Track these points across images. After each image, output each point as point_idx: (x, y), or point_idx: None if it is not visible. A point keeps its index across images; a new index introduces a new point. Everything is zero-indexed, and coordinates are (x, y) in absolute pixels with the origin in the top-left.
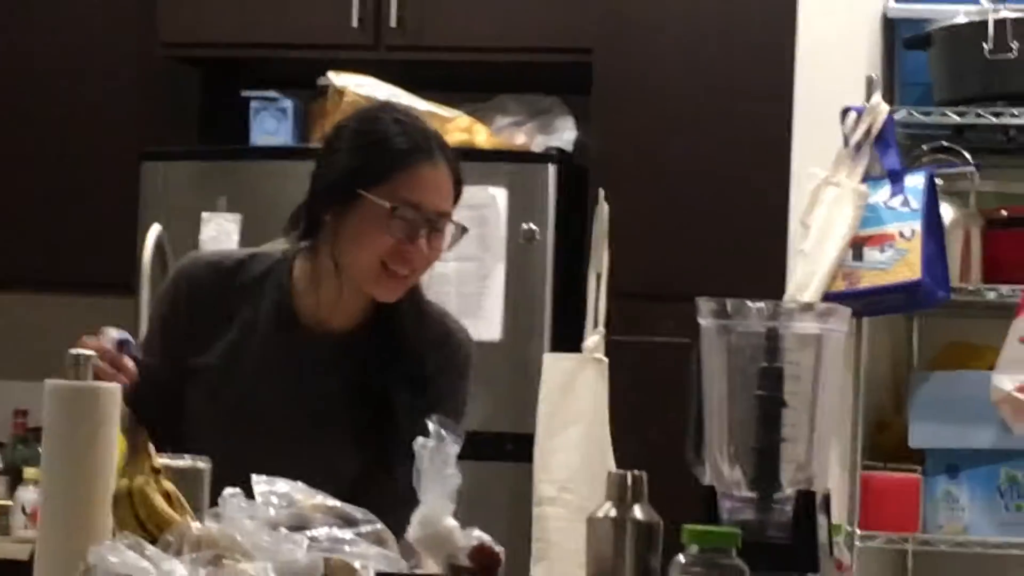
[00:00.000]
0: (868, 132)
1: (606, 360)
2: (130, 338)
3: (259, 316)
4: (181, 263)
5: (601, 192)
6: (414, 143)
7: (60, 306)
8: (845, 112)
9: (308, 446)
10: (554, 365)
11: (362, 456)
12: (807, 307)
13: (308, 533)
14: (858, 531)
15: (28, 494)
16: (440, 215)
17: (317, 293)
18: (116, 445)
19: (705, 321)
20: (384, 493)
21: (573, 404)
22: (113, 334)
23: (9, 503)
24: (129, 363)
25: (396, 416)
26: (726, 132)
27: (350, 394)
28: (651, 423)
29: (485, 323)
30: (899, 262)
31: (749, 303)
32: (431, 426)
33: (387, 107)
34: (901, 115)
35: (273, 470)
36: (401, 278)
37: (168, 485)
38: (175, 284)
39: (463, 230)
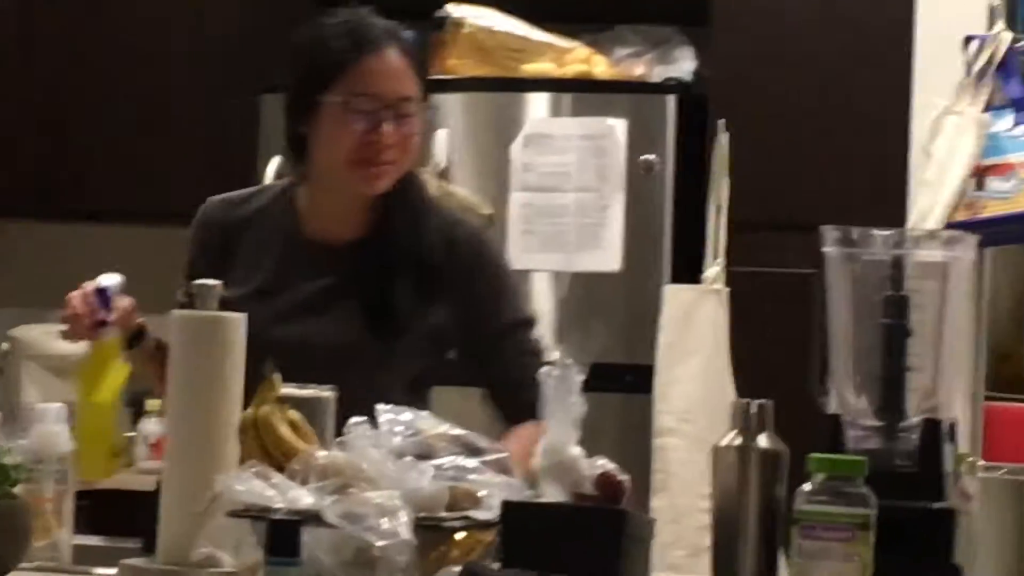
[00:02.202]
0: (990, 61)
1: (726, 291)
2: (112, 283)
3: (269, 243)
4: (199, 209)
5: (721, 122)
6: (354, 40)
7: (181, 240)
8: (967, 41)
9: (328, 362)
10: (674, 296)
11: (367, 361)
12: (933, 235)
13: (433, 462)
14: (981, 462)
15: (151, 426)
16: (400, 100)
17: (319, 212)
18: (242, 375)
19: (830, 249)
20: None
21: (693, 335)
22: (101, 280)
23: (132, 434)
24: (119, 305)
25: (397, 317)
26: (846, 61)
27: (359, 301)
28: (772, 353)
29: (604, 254)
30: (1022, 191)
31: (874, 231)
32: (556, 355)
33: (337, 14)
34: None
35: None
36: (378, 167)
37: (293, 414)
38: (193, 227)
39: (420, 103)
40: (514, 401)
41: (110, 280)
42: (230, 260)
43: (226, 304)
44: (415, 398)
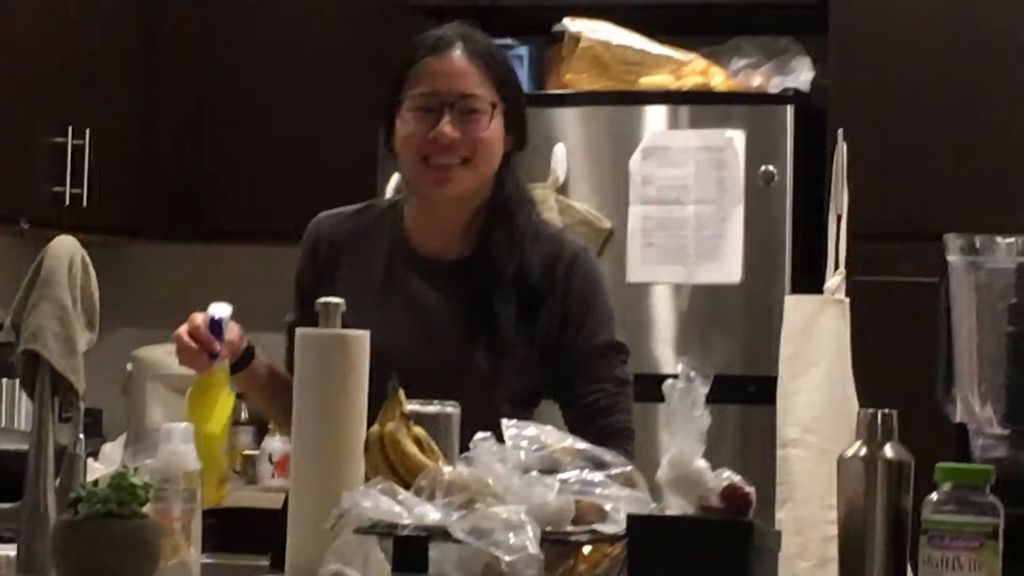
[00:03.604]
0: None
1: (847, 301)
2: (224, 314)
3: (377, 258)
4: (309, 225)
5: (840, 132)
6: (417, 46)
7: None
8: None
9: (434, 377)
10: (795, 307)
11: (473, 377)
12: None
13: (558, 476)
14: None
15: (275, 443)
16: (462, 97)
17: (423, 228)
18: (366, 392)
19: (953, 258)
20: (498, 408)
21: (815, 345)
22: (212, 310)
23: (256, 452)
24: (229, 336)
25: (501, 334)
26: (965, 68)
27: (465, 319)
28: (896, 363)
29: (724, 266)
30: None
31: (998, 239)
32: (680, 367)
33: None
34: None
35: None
36: (444, 167)
37: (418, 430)
38: (303, 242)
39: (493, 105)
40: (586, 426)
41: (223, 311)
42: (335, 274)
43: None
44: (522, 415)
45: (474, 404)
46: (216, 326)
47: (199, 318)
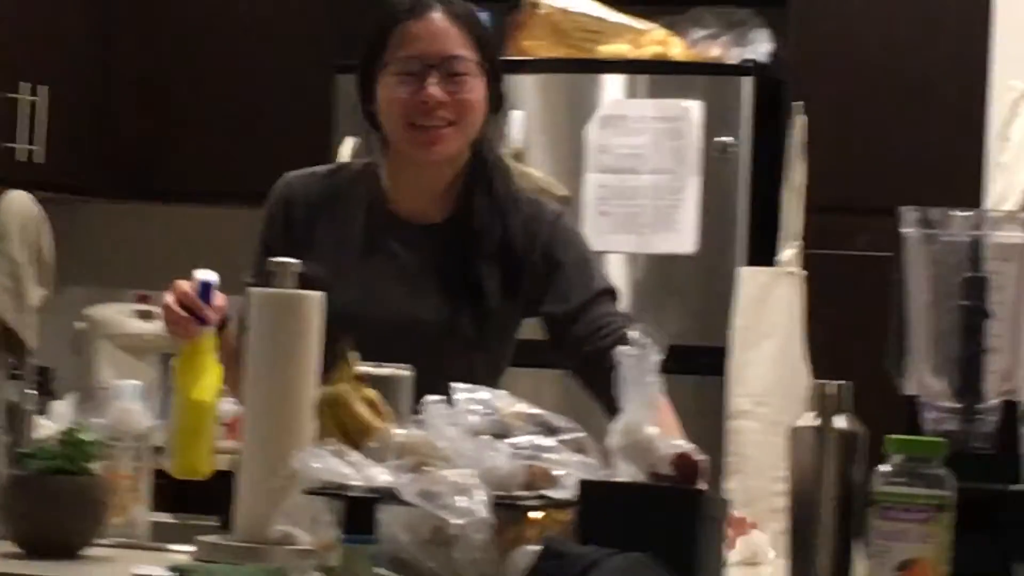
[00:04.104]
0: None
1: (802, 273)
2: (213, 280)
3: (355, 220)
4: (274, 185)
5: (797, 104)
6: (393, 9)
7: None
8: None
9: (420, 339)
10: (749, 279)
11: (458, 340)
12: (1012, 216)
13: (510, 440)
14: None
15: (225, 405)
16: (445, 59)
17: (403, 191)
18: (317, 353)
19: (908, 230)
20: (476, 371)
21: (768, 318)
22: (199, 276)
23: None
24: (216, 303)
25: (485, 299)
26: (922, 44)
27: (449, 283)
28: (850, 335)
29: (679, 236)
30: None
31: (953, 212)
32: (631, 334)
33: None
34: None
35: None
36: (431, 130)
37: (370, 392)
38: (271, 203)
39: (479, 66)
40: (606, 372)
41: (211, 276)
42: (312, 235)
43: (310, 281)
44: (496, 379)
45: (456, 367)
46: (205, 290)
47: (185, 284)
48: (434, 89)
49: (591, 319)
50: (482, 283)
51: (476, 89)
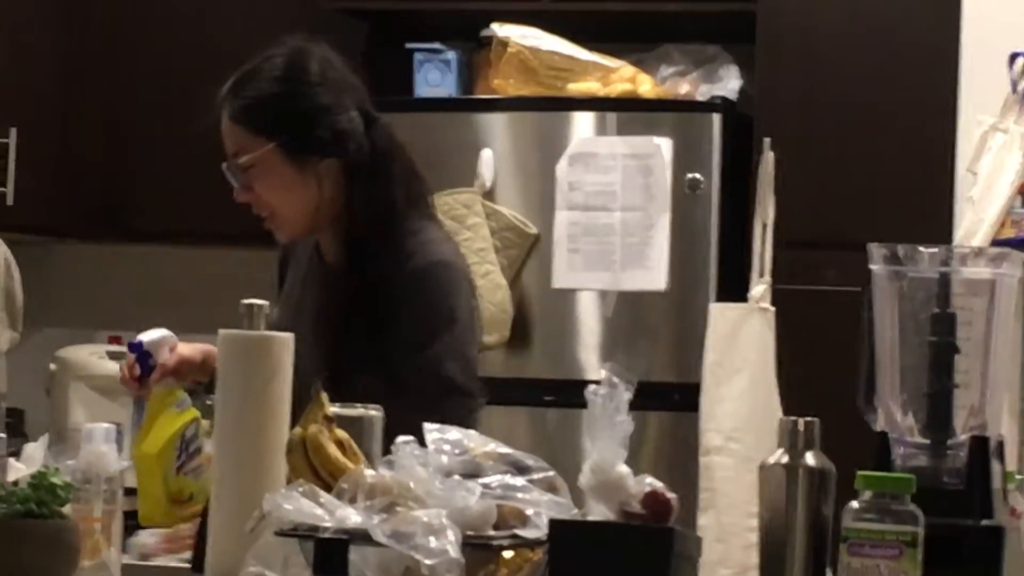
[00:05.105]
0: None
1: (772, 309)
2: (148, 338)
3: (301, 267)
4: None
5: (767, 141)
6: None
7: (228, 260)
8: (1013, 58)
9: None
10: (720, 315)
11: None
12: (979, 252)
13: (480, 480)
14: None
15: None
16: (230, 163)
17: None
18: (289, 395)
19: (876, 267)
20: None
21: (739, 353)
22: (139, 337)
23: None
24: (164, 358)
25: (349, 355)
26: (891, 80)
27: (332, 320)
28: (820, 371)
29: (650, 273)
30: None
31: (921, 248)
32: (603, 373)
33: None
34: None
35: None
36: (266, 220)
37: (341, 433)
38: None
39: (280, 145)
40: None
41: (148, 336)
42: (286, 272)
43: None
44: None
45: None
46: (135, 348)
47: (131, 358)
48: (238, 195)
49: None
50: (347, 335)
51: (270, 178)
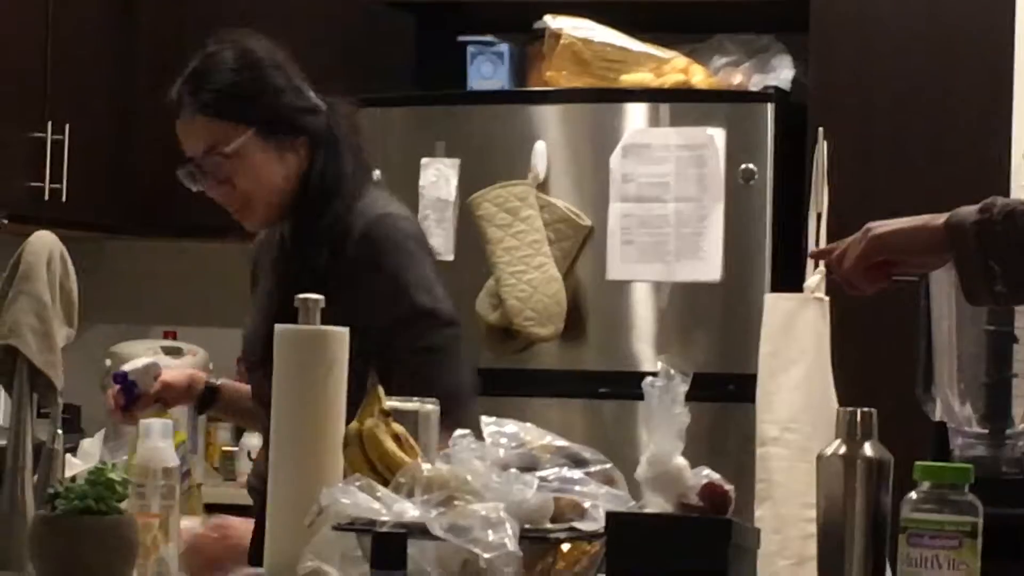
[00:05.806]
0: None
1: (828, 299)
2: (130, 367)
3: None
4: None
5: (820, 130)
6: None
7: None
8: None
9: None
10: (775, 305)
11: None
12: None
13: (538, 473)
14: None
15: (254, 440)
16: (203, 157)
17: None
18: (345, 388)
19: None
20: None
21: (795, 344)
22: (122, 367)
23: (235, 449)
24: (161, 381)
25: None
26: (945, 67)
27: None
28: (877, 361)
29: (704, 264)
30: None
31: None
32: (660, 365)
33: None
34: None
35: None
36: (237, 212)
37: (398, 427)
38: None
39: (243, 122)
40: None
41: (131, 365)
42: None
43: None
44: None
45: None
46: (119, 379)
47: (115, 388)
48: (210, 190)
49: (396, 348)
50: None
51: (250, 163)
